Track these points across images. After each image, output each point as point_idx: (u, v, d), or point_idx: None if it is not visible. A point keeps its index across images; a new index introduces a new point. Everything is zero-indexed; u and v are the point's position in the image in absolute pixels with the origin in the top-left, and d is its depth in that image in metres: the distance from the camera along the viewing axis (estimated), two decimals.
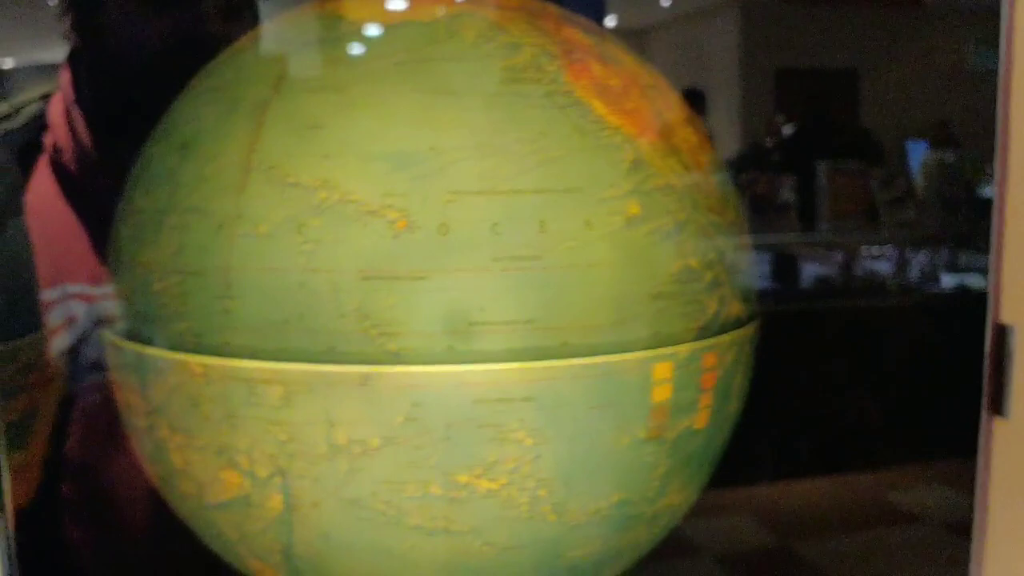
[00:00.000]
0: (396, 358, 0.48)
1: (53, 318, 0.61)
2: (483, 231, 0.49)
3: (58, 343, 0.64)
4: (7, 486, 0.65)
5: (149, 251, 0.54)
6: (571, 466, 0.51)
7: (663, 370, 0.52)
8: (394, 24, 0.54)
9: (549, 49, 0.54)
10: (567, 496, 0.52)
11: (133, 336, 0.55)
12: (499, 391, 0.49)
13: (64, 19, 0.64)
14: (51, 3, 0.66)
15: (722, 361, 0.56)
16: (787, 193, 0.77)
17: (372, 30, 0.54)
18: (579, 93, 0.53)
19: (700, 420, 0.56)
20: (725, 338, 0.56)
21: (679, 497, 0.59)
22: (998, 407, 0.56)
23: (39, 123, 0.66)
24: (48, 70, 0.68)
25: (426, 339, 0.48)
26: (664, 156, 0.55)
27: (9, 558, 0.66)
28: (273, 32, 0.58)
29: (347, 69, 0.53)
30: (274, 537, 0.53)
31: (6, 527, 0.65)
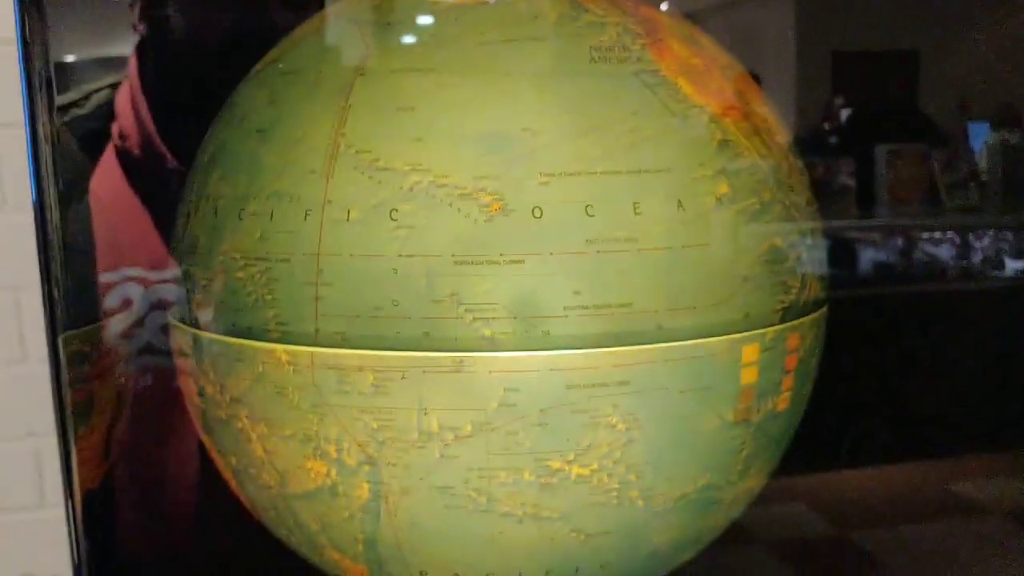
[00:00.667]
0: (491, 343, 0.47)
1: (110, 300, 0.60)
2: (577, 213, 0.48)
3: (114, 325, 0.63)
4: (75, 474, 0.64)
5: (228, 238, 0.53)
6: (661, 451, 0.51)
7: (751, 352, 0.52)
8: (475, 3, 0.53)
9: (632, 28, 0.54)
10: (655, 481, 0.52)
11: (208, 325, 0.55)
12: (594, 376, 0.48)
13: (132, 9, 0.64)
14: None
15: (804, 342, 0.56)
16: (845, 178, 0.77)
17: (454, 10, 0.53)
18: (665, 72, 0.53)
19: (782, 402, 0.56)
20: (807, 319, 0.56)
21: (756, 480, 0.59)
22: None
23: (107, 111, 0.65)
24: (107, 63, 0.68)
25: (521, 324, 0.47)
26: (748, 136, 0.54)
27: (77, 543, 0.65)
28: (348, 13, 0.57)
29: (432, 50, 0.52)
30: (358, 526, 0.53)
31: (74, 513, 0.64)
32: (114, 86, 0.66)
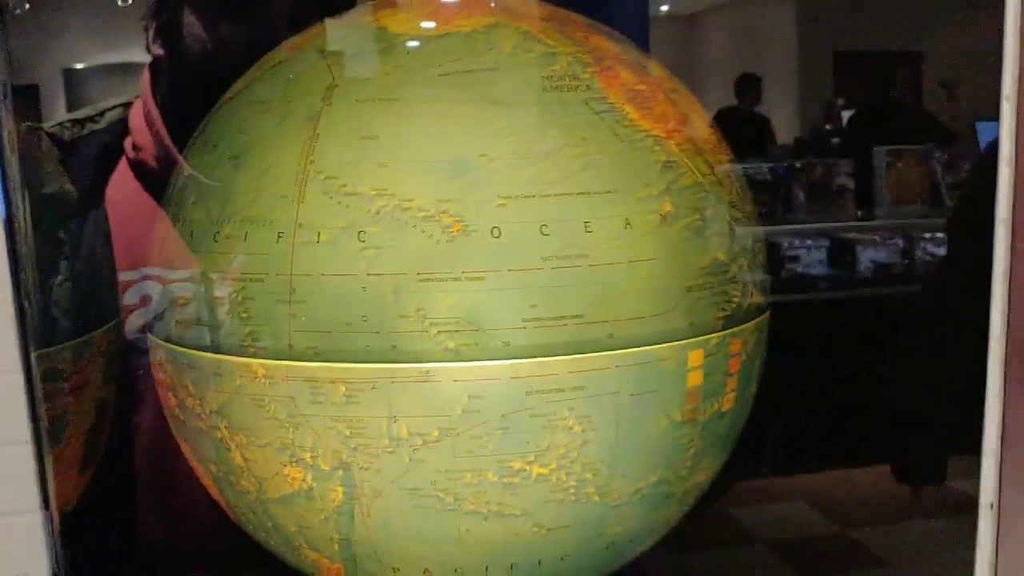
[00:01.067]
0: (454, 354, 0.51)
1: (129, 297, 0.63)
2: (533, 233, 0.52)
3: (133, 320, 0.66)
4: (51, 484, 0.67)
5: (204, 260, 0.56)
6: (615, 449, 0.55)
7: (696, 357, 0.56)
8: (435, 36, 0.57)
9: (581, 57, 0.58)
10: (611, 478, 0.56)
11: (188, 341, 0.58)
12: (550, 382, 0.52)
13: (146, 32, 0.68)
14: (123, 3, 0.68)
15: (745, 347, 0.60)
16: (844, 178, 0.80)
17: (415, 42, 0.57)
18: (613, 99, 0.57)
19: (727, 402, 0.60)
20: (749, 325, 0.60)
21: (705, 475, 0.63)
22: None
23: (120, 127, 0.68)
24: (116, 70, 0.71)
25: (483, 335, 0.51)
26: (691, 156, 0.58)
27: (56, 552, 0.68)
28: (313, 44, 0.60)
29: (395, 81, 0.55)
30: (334, 527, 0.56)
31: (51, 524, 0.67)
32: (127, 105, 0.69)
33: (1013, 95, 0.58)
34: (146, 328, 0.64)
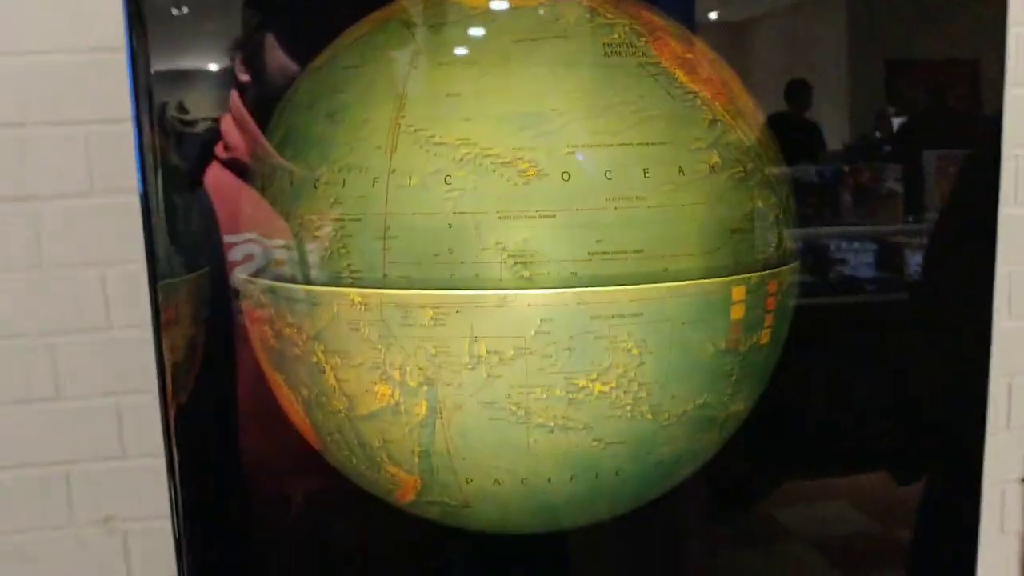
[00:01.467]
0: (529, 283, 0.59)
1: (234, 255, 0.71)
2: (598, 177, 0.59)
3: (239, 272, 0.74)
4: (172, 429, 0.75)
5: (305, 204, 0.64)
6: (667, 372, 0.62)
7: (739, 292, 0.63)
8: (506, 10, 0.65)
9: (636, 28, 0.65)
10: (662, 398, 0.63)
11: (289, 278, 0.65)
12: (613, 308, 0.59)
13: (235, 62, 0.77)
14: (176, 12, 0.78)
15: (780, 287, 0.68)
16: (892, 183, 0.83)
17: (488, 15, 0.64)
18: (665, 64, 0.64)
19: (764, 337, 0.67)
20: (784, 269, 0.67)
21: (743, 405, 0.70)
22: None
23: (211, 135, 0.77)
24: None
25: (554, 266, 0.59)
26: (733, 116, 0.66)
27: (176, 490, 0.76)
28: (397, 16, 0.68)
29: (473, 47, 0.63)
30: (416, 440, 0.63)
31: (172, 463, 0.75)
32: (216, 119, 0.77)
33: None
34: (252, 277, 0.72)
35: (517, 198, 0.59)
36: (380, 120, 0.62)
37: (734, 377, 0.66)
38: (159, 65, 0.71)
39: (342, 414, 0.66)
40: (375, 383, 0.62)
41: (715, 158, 0.63)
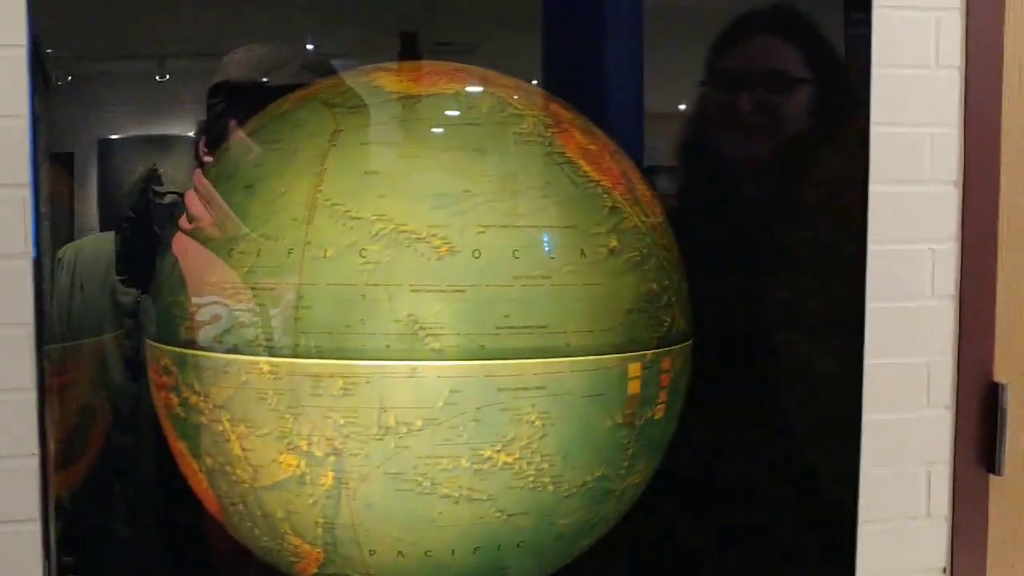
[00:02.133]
0: (439, 354, 0.61)
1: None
2: (507, 255, 0.62)
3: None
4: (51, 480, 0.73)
5: (218, 272, 0.65)
6: (569, 443, 0.65)
7: (635, 369, 0.67)
8: (423, 95, 0.68)
9: (544, 119, 0.70)
10: (563, 469, 0.65)
11: (190, 344, 0.66)
12: (518, 381, 0.62)
13: (197, 143, 0.78)
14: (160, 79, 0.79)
15: (674, 365, 0.72)
16: None
17: (407, 99, 0.68)
18: (569, 154, 0.68)
19: (659, 411, 0.71)
20: (676, 348, 0.72)
21: (639, 477, 0.73)
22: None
23: (176, 208, 0.76)
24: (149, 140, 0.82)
25: (463, 339, 0.61)
26: (631, 204, 0.70)
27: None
28: (319, 97, 0.71)
29: (393, 128, 0.66)
30: (320, 511, 0.64)
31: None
32: (180, 194, 0.77)
33: None
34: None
35: (429, 272, 0.61)
36: (298, 193, 0.64)
37: (630, 451, 0.69)
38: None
39: (246, 484, 0.65)
40: (281, 453, 0.63)
41: (614, 242, 0.67)
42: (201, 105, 0.80)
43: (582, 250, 0.65)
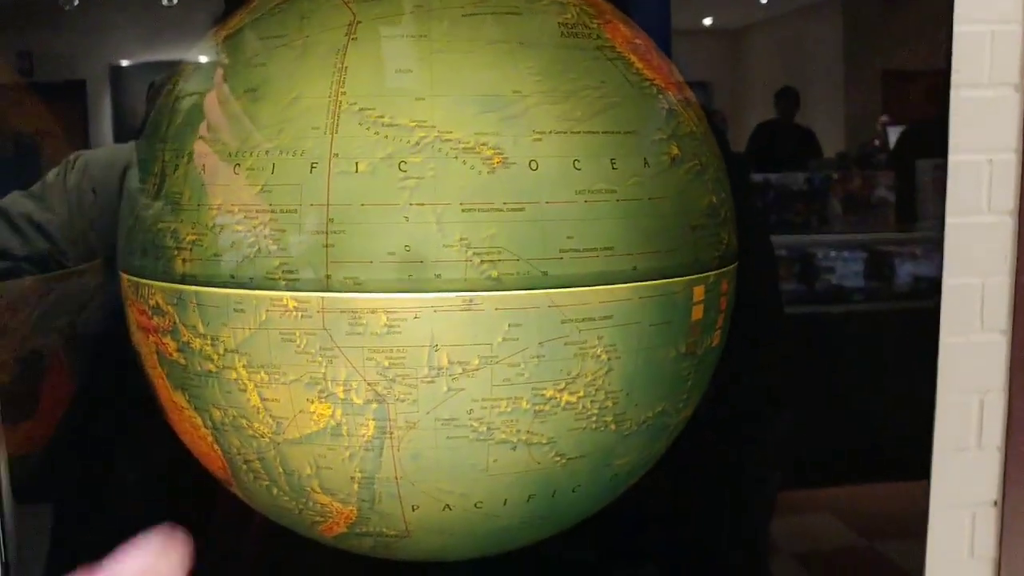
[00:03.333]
0: (497, 283, 0.52)
1: (208, 243, 0.60)
2: (566, 167, 0.54)
3: (215, 264, 0.63)
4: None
5: (221, 193, 0.54)
6: (633, 378, 0.58)
7: (699, 292, 0.60)
8: None
9: (587, 9, 0.60)
10: (627, 406, 0.58)
11: (191, 279, 0.56)
12: (584, 311, 0.54)
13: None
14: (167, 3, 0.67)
15: (730, 287, 0.65)
16: (884, 191, 0.82)
17: None
18: (619, 48, 0.60)
19: (716, 338, 0.65)
20: (732, 267, 0.65)
21: (691, 410, 0.67)
22: None
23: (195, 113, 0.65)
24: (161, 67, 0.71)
25: (524, 265, 0.53)
26: (684, 108, 0.63)
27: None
28: None
29: (420, 19, 0.56)
30: (358, 465, 0.56)
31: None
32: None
33: None
34: (125, 269, 0.60)
35: (482, 188, 0.52)
36: (315, 97, 0.54)
37: (689, 382, 0.63)
38: None
39: (266, 439, 0.56)
40: (311, 402, 0.54)
41: (675, 150, 0.59)
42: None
43: (645, 159, 0.57)
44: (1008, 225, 0.85)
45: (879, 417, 0.93)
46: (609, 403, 0.57)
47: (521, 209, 0.53)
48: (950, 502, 0.91)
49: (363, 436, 0.54)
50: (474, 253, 0.52)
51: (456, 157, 0.52)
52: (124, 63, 0.70)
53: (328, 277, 0.52)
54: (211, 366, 0.56)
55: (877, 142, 0.87)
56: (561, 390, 0.55)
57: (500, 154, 0.53)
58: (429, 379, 0.53)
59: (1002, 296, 0.85)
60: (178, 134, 0.58)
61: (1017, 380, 0.88)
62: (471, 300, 0.52)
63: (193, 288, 0.55)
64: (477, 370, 0.53)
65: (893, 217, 0.86)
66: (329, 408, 0.54)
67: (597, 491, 0.63)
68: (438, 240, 0.52)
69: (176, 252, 0.56)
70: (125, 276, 0.62)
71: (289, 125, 0.54)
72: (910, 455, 0.92)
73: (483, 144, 0.53)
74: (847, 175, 0.82)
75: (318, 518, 0.60)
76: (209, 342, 0.55)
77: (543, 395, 0.55)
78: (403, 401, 0.53)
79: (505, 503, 0.59)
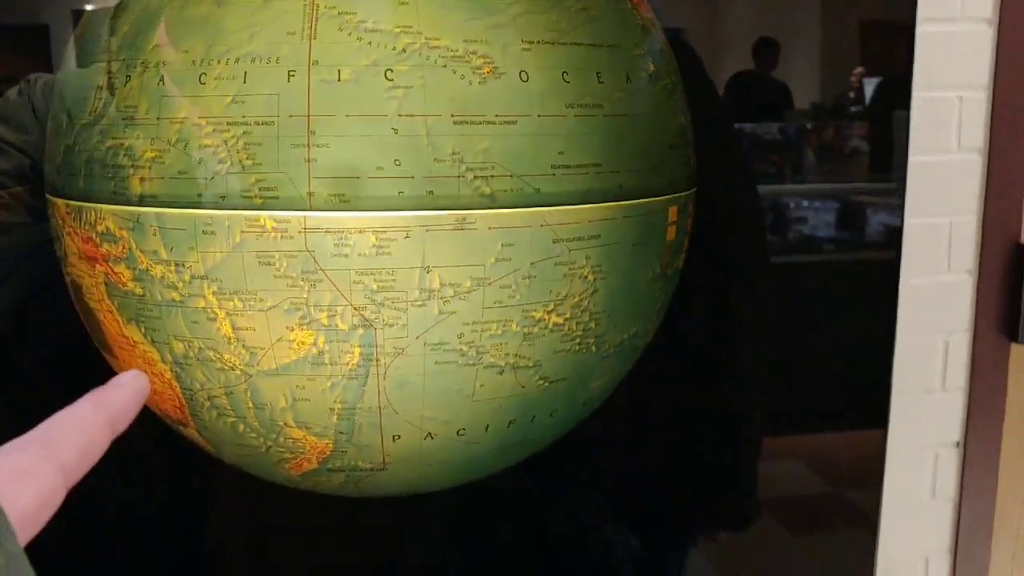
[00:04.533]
0: (491, 201, 0.50)
1: (170, 160, 0.55)
2: (557, 78, 0.52)
3: (181, 183, 0.58)
4: None
5: (186, 106, 0.50)
6: (615, 299, 0.57)
7: (673, 212, 0.60)
8: None
9: None
10: (607, 328, 0.58)
11: (150, 200, 0.51)
12: (574, 230, 0.53)
13: None
14: None
15: (694, 209, 0.65)
16: (858, 141, 0.80)
17: None
18: None
19: (681, 261, 0.65)
20: (693, 190, 0.65)
21: (653, 335, 0.67)
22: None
23: None
24: None
25: (517, 181, 0.51)
26: (652, 26, 0.62)
27: None
28: None
29: None
30: (339, 395, 0.53)
31: None
32: None
33: None
34: (59, 194, 0.55)
35: (473, 100, 0.50)
36: (288, 0, 0.49)
37: (658, 304, 0.63)
38: None
39: (237, 371, 0.53)
40: (291, 329, 0.51)
41: (652, 66, 0.58)
42: None
43: (627, 74, 0.56)
44: (977, 163, 0.85)
45: (852, 365, 0.95)
46: (592, 324, 0.57)
47: (514, 122, 0.51)
48: (913, 443, 0.93)
49: (347, 364, 0.52)
50: (467, 168, 0.50)
51: (445, 66, 0.49)
52: (88, 7, 0.65)
53: (311, 195, 0.49)
54: (174, 295, 0.52)
55: (851, 94, 0.87)
56: (550, 312, 0.54)
57: (490, 63, 0.50)
58: (420, 302, 0.51)
59: (969, 236, 0.86)
60: (127, 44, 0.52)
61: (982, 320, 0.90)
62: (464, 218, 0.50)
63: (154, 210, 0.51)
64: (469, 292, 0.51)
65: (867, 167, 0.87)
66: (311, 335, 0.51)
67: (571, 415, 0.62)
68: (429, 154, 0.49)
69: (132, 171, 0.51)
70: (61, 202, 0.56)
71: (261, 30, 0.49)
72: (879, 401, 0.94)
73: (472, 52, 0.50)
74: (821, 125, 0.83)
75: (288, 455, 0.57)
76: (172, 268, 0.51)
77: (533, 317, 0.53)
78: (392, 326, 0.51)
79: (487, 429, 0.57)
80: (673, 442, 0.83)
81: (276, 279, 0.50)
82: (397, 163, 0.49)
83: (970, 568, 0.97)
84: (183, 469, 0.75)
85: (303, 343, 0.51)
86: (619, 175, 0.55)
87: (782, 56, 0.81)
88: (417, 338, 0.51)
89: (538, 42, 0.52)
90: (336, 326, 0.50)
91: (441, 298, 0.51)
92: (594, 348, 0.58)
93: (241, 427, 0.56)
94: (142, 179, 0.51)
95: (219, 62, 0.49)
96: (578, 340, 0.56)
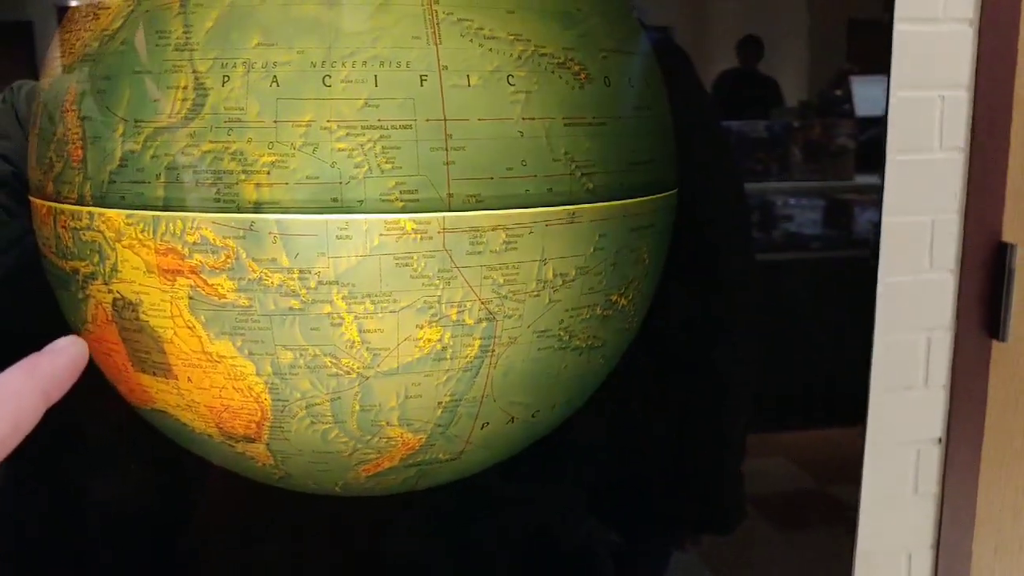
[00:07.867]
0: (593, 195, 0.55)
1: (296, 165, 0.50)
2: (625, 84, 0.58)
3: (308, 188, 0.53)
4: None
5: (311, 109, 0.49)
6: (652, 277, 0.64)
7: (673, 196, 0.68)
8: None
9: None
10: (643, 304, 0.65)
11: (269, 207, 0.49)
12: (642, 220, 0.59)
13: None
14: None
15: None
16: (845, 139, 0.80)
17: None
18: None
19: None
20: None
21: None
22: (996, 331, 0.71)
23: None
24: None
25: (609, 177, 0.56)
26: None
27: None
28: None
29: None
30: (451, 388, 0.55)
31: None
32: None
33: None
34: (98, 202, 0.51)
35: (576, 104, 0.54)
36: (406, 4, 0.50)
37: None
38: None
39: (353, 375, 0.53)
40: (420, 327, 0.52)
41: (658, 69, 0.66)
42: None
43: (658, 80, 0.63)
44: (959, 162, 0.89)
45: (837, 362, 0.96)
46: (642, 305, 0.63)
47: (604, 124, 0.56)
48: (896, 440, 0.97)
49: (466, 357, 0.54)
50: (576, 167, 0.54)
51: (553, 72, 0.53)
52: (72, 3, 0.57)
53: (451, 196, 0.50)
54: (293, 302, 0.50)
55: (838, 91, 0.92)
56: (621, 295, 0.60)
57: (585, 70, 0.55)
58: (535, 293, 0.54)
59: (951, 234, 0.89)
60: (215, 42, 0.50)
61: (964, 318, 0.92)
62: (574, 213, 0.54)
63: (274, 217, 0.49)
64: (573, 280, 0.55)
65: (854, 166, 0.91)
66: (439, 332, 0.52)
67: (599, 381, 0.68)
68: (548, 155, 0.53)
69: (243, 176, 0.49)
70: (113, 214, 0.51)
71: (384, 34, 0.50)
72: (863, 398, 0.98)
73: (571, 60, 0.54)
74: (808, 123, 0.87)
75: (373, 455, 0.57)
76: (296, 276, 0.50)
77: (611, 300, 0.59)
78: (510, 317, 0.54)
79: (553, 408, 0.62)
80: (656, 442, 0.87)
81: (412, 279, 0.50)
82: (523, 163, 0.52)
83: (952, 563, 1.00)
84: (166, 471, 0.69)
85: (429, 340, 0.52)
86: (664, 169, 0.62)
87: (769, 54, 0.86)
88: (528, 327, 0.55)
89: (611, 51, 0.57)
90: (463, 321, 0.52)
91: (551, 288, 0.55)
92: (636, 324, 0.64)
93: (333, 433, 0.55)
94: (257, 185, 0.49)
95: (344, 64, 0.49)
96: (634, 320, 0.63)
